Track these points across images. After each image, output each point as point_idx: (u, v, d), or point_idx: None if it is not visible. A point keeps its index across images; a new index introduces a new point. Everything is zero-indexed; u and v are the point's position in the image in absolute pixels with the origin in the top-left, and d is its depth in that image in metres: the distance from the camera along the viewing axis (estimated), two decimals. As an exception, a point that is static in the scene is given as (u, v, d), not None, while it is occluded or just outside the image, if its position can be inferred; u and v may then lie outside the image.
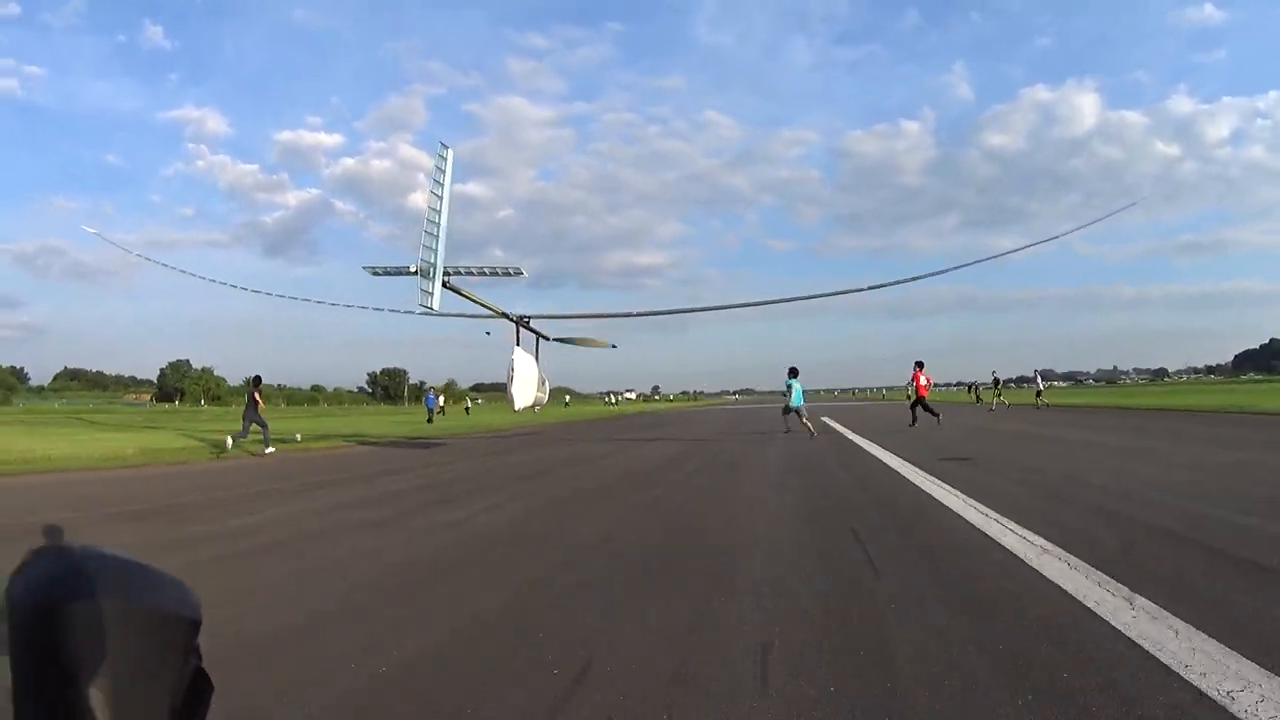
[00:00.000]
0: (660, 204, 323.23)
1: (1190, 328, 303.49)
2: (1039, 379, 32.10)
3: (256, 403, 13.55)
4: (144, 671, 0.44)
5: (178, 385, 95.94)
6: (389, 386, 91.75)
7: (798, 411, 14.55)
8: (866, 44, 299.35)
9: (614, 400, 68.89)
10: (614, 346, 19.65)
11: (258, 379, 14.60)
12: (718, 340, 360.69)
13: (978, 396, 37.47)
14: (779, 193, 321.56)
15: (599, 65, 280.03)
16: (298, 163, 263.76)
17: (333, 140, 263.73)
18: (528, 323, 16.08)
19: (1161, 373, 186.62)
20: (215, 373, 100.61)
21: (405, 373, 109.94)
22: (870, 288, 18.81)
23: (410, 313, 14.63)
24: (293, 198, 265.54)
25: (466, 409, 49.29)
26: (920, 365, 16.54)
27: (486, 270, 14.02)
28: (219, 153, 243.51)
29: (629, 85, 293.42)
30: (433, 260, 12.59)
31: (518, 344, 15.32)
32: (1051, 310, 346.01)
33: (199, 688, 0.48)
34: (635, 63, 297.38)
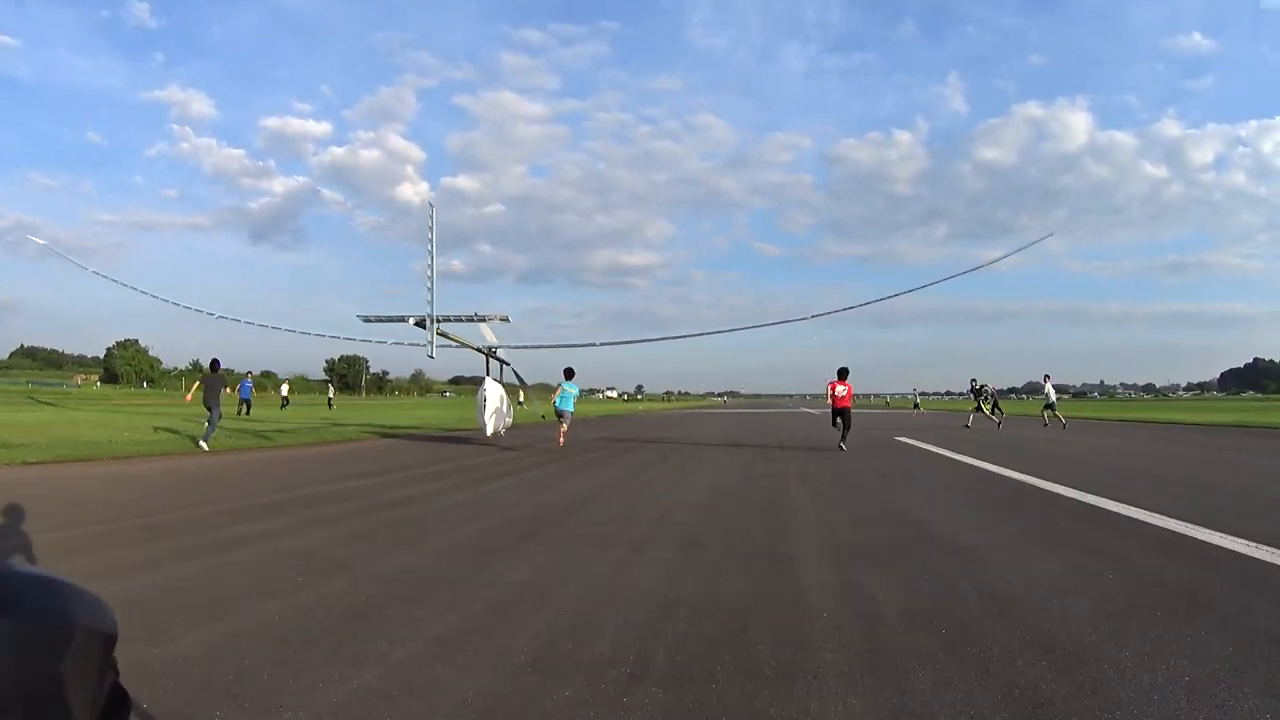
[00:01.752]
0: (650, 205, 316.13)
1: (1174, 345, 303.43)
2: (1049, 388, 22.66)
3: (224, 387, 13.15)
4: (60, 689, 0.43)
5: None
6: (346, 375, 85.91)
7: (561, 415, 13.39)
8: (860, 52, 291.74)
9: (524, 400, 56.48)
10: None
11: (215, 363, 13.62)
12: (703, 341, 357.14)
13: (994, 406, 23.96)
14: (771, 196, 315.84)
15: (593, 63, 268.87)
16: (285, 150, 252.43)
17: (321, 128, 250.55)
18: (494, 352, 16.09)
19: (1151, 388, 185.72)
20: (150, 353, 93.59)
21: (365, 361, 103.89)
22: (808, 322, 18.71)
23: (395, 342, 16.81)
24: (279, 184, 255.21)
25: (329, 402, 41.36)
26: (844, 373, 13.57)
27: (476, 317, 14.61)
28: (204, 136, 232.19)
29: (622, 84, 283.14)
30: (430, 311, 13.64)
31: (487, 374, 15.34)
32: (1036, 323, 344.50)
33: (117, 703, 0.48)
34: (629, 62, 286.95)
